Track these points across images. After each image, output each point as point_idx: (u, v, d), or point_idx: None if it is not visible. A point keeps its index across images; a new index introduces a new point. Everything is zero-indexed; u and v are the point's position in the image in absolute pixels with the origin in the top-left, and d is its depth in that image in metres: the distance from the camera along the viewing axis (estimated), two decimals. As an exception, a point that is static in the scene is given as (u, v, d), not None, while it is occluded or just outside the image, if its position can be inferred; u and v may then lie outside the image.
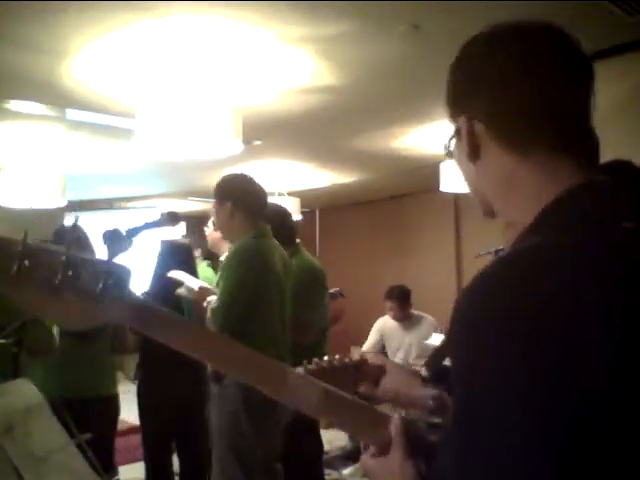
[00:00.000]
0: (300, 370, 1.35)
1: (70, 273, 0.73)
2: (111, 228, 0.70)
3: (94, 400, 2.97)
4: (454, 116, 0.81)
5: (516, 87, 0.73)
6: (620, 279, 0.60)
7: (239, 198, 2.75)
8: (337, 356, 1.37)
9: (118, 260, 0.77)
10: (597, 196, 0.69)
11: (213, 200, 2.86)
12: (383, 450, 0.82)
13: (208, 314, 2.60)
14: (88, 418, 2.80)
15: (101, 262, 0.76)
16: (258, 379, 0.84)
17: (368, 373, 1.35)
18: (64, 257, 0.73)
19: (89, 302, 0.74)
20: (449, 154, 0.85)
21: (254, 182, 2.84)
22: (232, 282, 2.58)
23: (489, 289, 0.63)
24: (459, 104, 0.80)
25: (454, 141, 0.83)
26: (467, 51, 0.80)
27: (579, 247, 0.62)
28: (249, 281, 2.58)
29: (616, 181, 0.70)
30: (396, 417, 0.82)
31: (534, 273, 0.61)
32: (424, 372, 1.19)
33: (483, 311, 0.61)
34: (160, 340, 0.81)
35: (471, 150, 0.77)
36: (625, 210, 0.66)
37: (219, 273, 2.79)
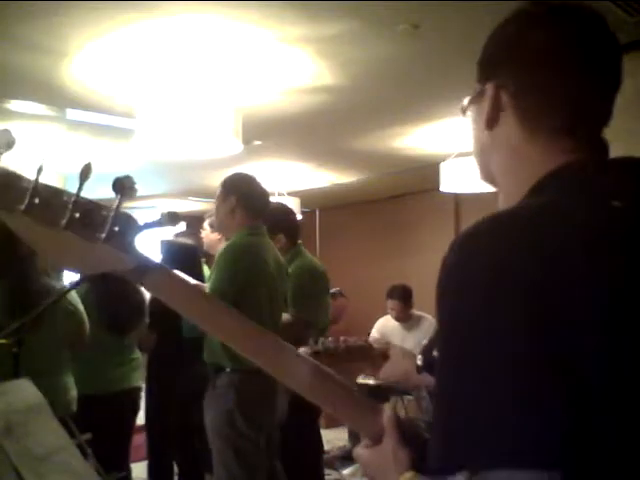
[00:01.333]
0: (306, 349, 1.36)
1: (77, 215, 0.74)
2: (122, 176, 0.69)
3: (126, 392, 3.07)
4: (481, 79, 0.81)
5: (547, 69, 0.75)
6: (605, 250, 0.60)
7: (244, 194, 2.77)
8: (342, 338, 1.37)
9: (147, 192, 0.77)
10: (589, 174, 0.71)
11: (216, 196, 2.86)
12: (376, 439, 0.82)
13: None
14: (121, 410, 2.92)
15: (109, 208, 0.75)
16: (252, 349, 0.84)
17: (372, 355, 1.35)
18: (73, 198, 0.74)
19: (92, 246, 0.74)
20: (464, 112, 0.86)
21: (260, 183, 2.87)
22: (220, 277, 2.59)
23: (487, 240, 0.63)
24: (491, 70, 0.80)
25: (473, 103, 0.84)
26: (511, 22, 0.81)
27: (568, 213, 0.63)
28: (237, 277, 2.58)
29: (611, 165, 0.73)
30: (388, 407, 0.83)
31: (538, 230, 0.61)
32: (419, 361, 1.20)
33: (477, 265, 0.62)
34: (157, 296, 0.81)
35: (491, 117, 0.78)
36: (616, 190, 0.67)
37: (211, 269, 2.81)
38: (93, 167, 0.77)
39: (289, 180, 5.96)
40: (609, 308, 0.58)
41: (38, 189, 0.74)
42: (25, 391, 1.62)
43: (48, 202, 0.74)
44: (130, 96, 3.54)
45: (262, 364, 0.83)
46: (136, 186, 0.77)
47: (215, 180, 2.97)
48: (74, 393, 2.68)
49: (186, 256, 3.45)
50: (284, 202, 5.80)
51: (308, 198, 6.56)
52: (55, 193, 0.75)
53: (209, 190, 5.68)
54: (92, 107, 3.80)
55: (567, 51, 0.75)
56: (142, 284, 0.82)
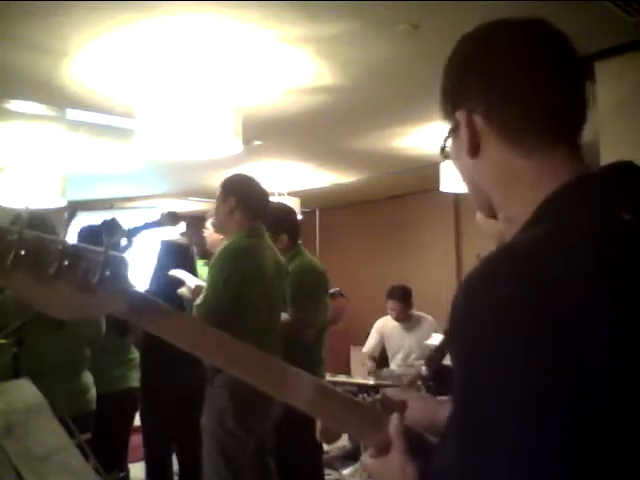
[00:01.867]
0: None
1: (66, 263, 0.72)
2: (108, 218, 0.69)
3: (125, 392, 3.08)
4: (450, 112, 0.80)
5: (514, 81, 0.74)
6: (620, 268, 0.60)
7: (243, 195, 2.77)
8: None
9: (115, 251, 0.76)
10: (597, 188, 0.70)
11: (216, 197, 2.86)
12: (382, 450, 0.81)
13: (193, 311, 2.60)
14: (124, 410, 2.92)
15: (98, 252, 0.74)
16: (255, 376, 0.84)
17: (391, 409, 1.34)
18: (60, 246, 0.73)
19: (85, 293, 0.73)
20: (445, 154, 0.85)
21: (259, 184, 2.87)
22: (216, 279, 2.59)
23: (489, 278, 0.63)
24: (456, 98, 0.79)
25: (450, 140, 0.82)
26: (463, 46, 0.81)
27: (580, 236, 0.62)
28: (234, 279, 2.58)
29: (616, 175, 0.71)
30: (395, 417, 0.82)
31: (535, 261, 0.61)
32: (424, 371, 1.19)
33: (482, 300, 0.62)
34: (156, 333, 0.80)
35: (471, 143, 0.76)
36: (625, 202, 0.66)
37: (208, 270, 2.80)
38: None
39: (289, 180, 5.96)
40: (615, 324, 0.57)
41: (23, 241, 0.72)
42: (25, 391, 1.62)
43: (35, 253, 0.72)
44: (130, 96, 3.54)
45: (263, 388, 0.84)
46: (123, 227, 0.76)
47: (215, 180, 2.97)
48: (94, 392, 2.69)
49: (179, 255, 3.45)
50: (284, 202, 5.82)
51: (308, 198, 6.56)
52: (42, 242, 0.73)
53: (209, 190, 5.68)
54: (92, 107, 3.80)
55: (532, 60, 0.74)
56: (139, 324, 0.82)
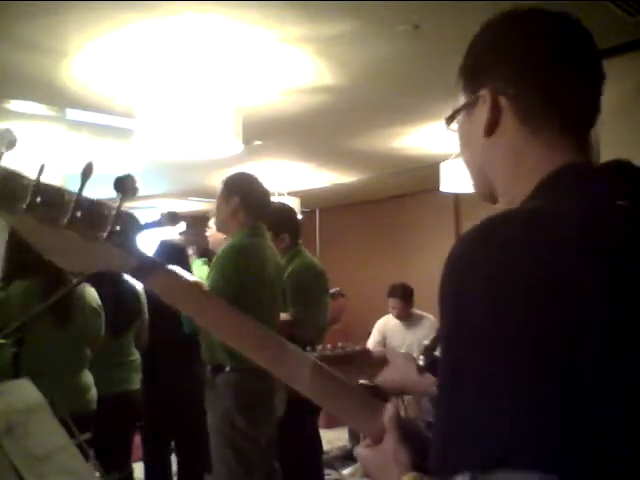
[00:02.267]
0: (314, 355, 1.35)
1: (79, 214, 0.74)
2: (122, 175, 0.69)
3: (125, 394, 3.05)
4: (472, 88, 0.80)
5: (547, 71, 0.75)
6: (612, 249, 0.60)
7: (246, 195, 2.77)
8: (340, 344, 1.37)
9: (128, 208, 0.77)
10: (594, 174, 0.71)
11: (217, 195, 2.85)
12: (377, 438, 0.81)
13: None
14: (121, 413, 2.90)
15: (111, 207, 0.75)
16: (254, 349, 0.83)
17: (371, 362, 1.35)
18: (75, 197, 0.74)
19: (94, 245, 0.74)
20: (451, 125, 0.85)
21: (261, 183, 2.87)
22: (218, 278, 2.59)
23: (483, 240, 0.64)
24: (483, 76, 0.79)
25: (463, 114, 0.82)
26: (499, 25, 0.80)
27: (574, 214, 0.63)
28: (235, 279, 2.58)
29: (612, 169, 0.72)
30: (390, 406, 0.82)
31: (526, 230, 0.62)
32: (421, 361, 1.19)
33: (470, 265, 0.62)
34: (159, 294, 0.80)
35: (490, 122, 0.77)
36: (620, 190, 0.67)
37: (209, 268, 2.81)
38: (94, 166, 0.77)
39: (289, 180, 5.96)
40: (610, 307, 0.57)
41: (40, 188, 0.74)
42: (25, 391, 1.62)
43: (50, 201, 0.74)
44: (130, 96, 3.54)
45: (262, 362, 0.83)
46: (137, 184, 0.77)
47: (215, 180, 2.97)
48: (94, 392, 2.69)
49: (173, 254, 3.45)
50: (285, 202, 5.82)
51: (308, 198, 6.56)
52: (57, 192, 0.75)
53: (209, 190, 5.68)
54: (92, 107, 3.80)
55: (566, 54, 0.76)
56: (143, 283, 0.82)
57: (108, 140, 4.61)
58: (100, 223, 0.75)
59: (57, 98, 3.65)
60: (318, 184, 6.43)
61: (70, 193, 0.75)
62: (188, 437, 3.50)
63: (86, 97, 3.61)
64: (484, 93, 0.77)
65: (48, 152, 4.80)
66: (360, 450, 0.84)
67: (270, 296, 2.75)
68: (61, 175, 4.97)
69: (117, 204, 0.75)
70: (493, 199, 0.82)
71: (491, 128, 0.77)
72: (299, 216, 5.98)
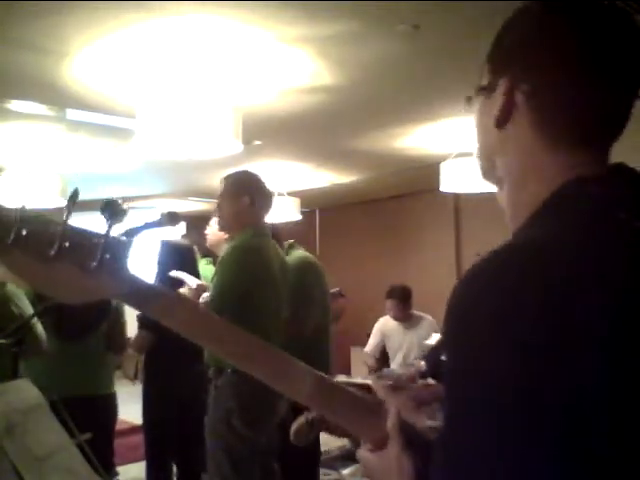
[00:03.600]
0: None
1: (67, 244, 0.72)
2: (108, 198, 0.67)
3: (88, 399, 2.93)
4: (494, 71, 0.76)
5: (571, 76, 0.69)
6: (618, 272, 0.59)
7: (256, 195, 2.77)
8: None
9: (116, 233, 0.75)
10: (595, 189, 0.68)
11: (221, 194, 2.84)
12: (379, 445, 0.80)
13: None
14: (83, 417, 2.82)
15: (99, 235, 0.74)
16: (253, 365, 0.82)
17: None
18: (61, 227, 0.72)
19: (85, 275, 0.72)
20: (469, 104, 0.81)
21: (265, 183, 2.88)
22: (225, 279, 2.58)
23: (484, 280, 0.62)
24: (505, 64, 0.74)
25: (482, 96, 0.78)
26: (539, 11, 0.73)
27: (577, 242, 0.62)
28: (242, 279, 2.57)
29: (614, 176, 0.70)
30: (393, 411, 0.81)
31: (534, 262, 0.60)
32: (424, 366, 1.19)
33: (477, 301, 0.61)
34: (155, 318, 0.79)
35: (503, 115, 0.73)
36: (621, 202, 0.66)
37: (215, 269, 2.80)
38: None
39: (289, 180, 5.96)
40: (614, 327, 0.56)
41: (24, 220, 0.72)
42: (25, 391, 1.62)
43: (35, 233, 0.72)
44: (130, 96, 3.54)
45: (261, 377, 0.82)
46: (125, 208, 0.76)
47: (215, 180, 2.97)
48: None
49: (181, 256, 3.43)
50: (283, 202, 5.82)
51: (308, 198, 6.56)
52: (42, 223, 0.73)
53: (209, 190, 5.68)
54: (92, 107, 3.80)
55: (594, 55, 0.69)
56: (140, 310, 0.80)
57: (108, 140, 4.61)
58: (89, 252, 0.73)
59: (57, 98, 3.65)
60: (318, 184, 6.43)
61: (56, 223, 0.73)
62: (190, 439, 3.50)
63: (86, 97, 3.61)
64: (503, 82, 0.73)
65: (48, 152, 4.80)
66: (363, 453, 0.83)
67: (274, 297, 2.75)
68: (60, 176, 4.98)
69: (105, 231, 0.74)
70: (492, 179, 0.79)
71: (502, 120, 0.73)
72: (299, 216, 6.01)
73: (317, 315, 3.33)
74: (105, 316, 3.10)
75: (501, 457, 0.56)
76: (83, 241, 0.73)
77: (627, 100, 0.71)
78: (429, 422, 1.13)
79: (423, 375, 1.15)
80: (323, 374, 0.83)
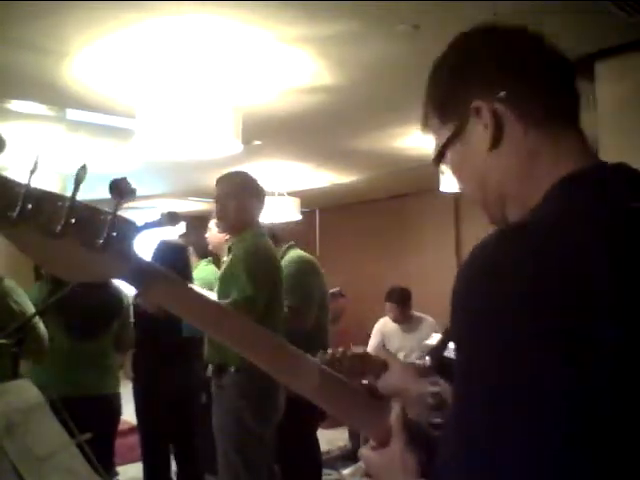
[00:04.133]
0: (316, 360, 1.35)
1: (73, 221, 0.70)
2: (116, 178, 0.65)
3: (97, 398, 2.96)
4: (454, 112, 0.77)
5: (530, 68, 0.75)
6: (627, 253, 0.59)
7: (254, 194, 2.81)
8: (340, 349, 1.37)
9: (124, 213, 0.73)
10: (606, 177, 0.70)
11: (221, 196, 2.85)
12: (383, 442, 0.80)
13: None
14: (90, 416, 2.83)
15: (106, 213, 0.72)
16: (257, 354, 0.81)
17: (371, 367, 1.35)
18: (68, 203, 0.70)
19: (90, 253, 0.71)
20: (444, 160, 0.81)
21: (258, 181, 2.92)
22: (250, 285, 2.59)
23: (492, 255, 0.62)
24: (464, 95, 0.76)
25: (455, 143, 0.78)
26: (464, 44, 0.80)
27: (588, 218, 0.62)
28: (266, 279, 2.64)
29: (621, 169, 0.71)
30: (397, 407, 0.80)
31: (546, 241, 0.60)
32: (428, 362, 1.19)
33: (486, 276, 0.61)
34: (158, 302, 0.78)
35: (495, 132, 0.74)
36: (633, 192, 0.67)
37: (225, 268, 2.80)
38: (89, 168, 0.73)
39: (289, 180, 5.96)
40: (630, 310, 0.56)
41: (30, 194, 0.69)
42: (25, 391, 1.62)
43: (42, 208, 0.70)
44: (130, 96, 3.54)
45: (267, 368, 0.81)
46: (134, 187, 0.74)
47: (215, 180, 2.97)
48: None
49: (173, 255, 3.43)
50: (283, 202, 5.83)
51: (308, 198, 6.56)
52: (49, 198, 0.71)
53: (209, 190, 5.66)
54: (92, 107, 3.80)
55: (541, 51, 0.76)
56: (144, 291, 0.79)
57: (108, 140, 4.60)
58: (96, 230, 0.71)
59: (57, 98, 3.65)
60: (318, 184, 6.43)
61: (63, 199, 0.71)
62: (187, 437, 3.50)
63: (86, 97, 3.61)
64: (477, 105, 0.74)
65: (48, 152, 4.80)
66: (365, 452, 0.82)
67: (281, 295, 2.82)
68: (60, 175, 4.98)
69: (113, 209, 0.71)
70: (503, 216, 0.79)
71: (497, 139, 0.74)
72: (299, 216, 6.01)
73: (315, 314, 3.34)
74: (118, 315, 3.12)
75: (517, 435, 0.56)
76: (90, 218, 0.71)
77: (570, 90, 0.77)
78: (430, 387, 1.13)
79: (428, 371, 1.16)
80: (328, 369, 0.82)
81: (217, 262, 3.81)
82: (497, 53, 0.76)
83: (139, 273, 0.75)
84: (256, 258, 2.65)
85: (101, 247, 0.70)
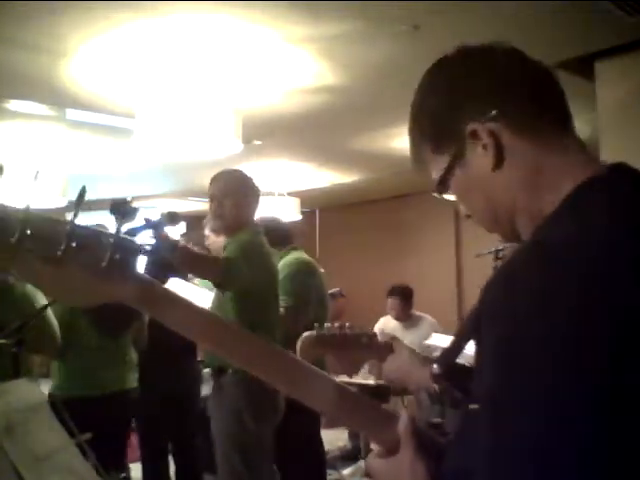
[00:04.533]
0: (311, 333, 1.34)
1: (74, 244, 0.68)
2: (118, 198, 0.64)
3: (120, 394, 3.03)
4: (449, 139, 0.78)
5: (517, 83, 0.76)
6: None
7: (249, 193, 2.81)
8: (348, 324, 1.36)
9: (126, 234, 0.71)
10: (620, 185, 0.70)
11: (218, 197, 2.84)
12: (391, 450, 0.79)
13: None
14: (111, 413, 2.89)
15: (108, 234, 0.70)
16: (265, 370, 0.80)
17: (376, 347, 1.35)
18: (68, 227, 0.68)
19: (93, 277, 0.69)
20: (445, 190, 0.81)
21: (253, 179, 2.92)
22: (248, 284, 2.59)
23: (527, 272, 0.62)
24: (460, 118, 0.77)
25: (455, 169, 0.79)
26: (441, 70, 0.84)
27: (610, 234, 0.62)
28: (263, 282, 2.65)
29: (619, 175, 0.72)
30: (405, 416, 0.79)
31: (575, 255, 0.61)
32: (436, 370, 1.18)
33: (523, 291, 0.60)
34: (165, 323, 0.76)
35: (497, 152, 0.75)
36: (629, 198, 0.67)
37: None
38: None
39: (289, 180, 5.96)
40: None
41: (29, 219, 0.67)
42: (25, 391, 1.62)
43: (41, 232, 0.68)
44: (130, 96, 3.54)
45: (273, 382, 0.80)
46: (135, 207, 0.72)
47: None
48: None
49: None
50: (283, 202, 5.83)
51: (308, 198, 6.56)
52: (48, 222, 0.69)
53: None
54: (92, 107, 3.80)
55: (524, 66, 0.78)
56: (151, 314, 0.78)
57: (108, 140, 4.60)
58: (98, 253, 0.69)
59: (57, 98, 3.65)
60: (318, 184, 6.43)
61: (63, 223, 0.69)
62: (186, 437, 3.50)
63: (86, 97, 3.61)
64: (473, 129, 0.75)
65: (48, 152, 4.80)
66: (372, 461, 0.81)
67: (275, 294, 2.82)
68: (60, 176, 4.98)
69: (115, 231, 0.70)
70: (515, 235, 0.79)
71: (499, 157, 0.75)
72: (299, 216, 6.01)
73: (313, 315, 3.34)
74: (139, 313, 3.16)
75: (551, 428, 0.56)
76: (92, 241, 0.69)
77: (555, 97, 0.78)
78: (435, 367, 1.13)
79: (436, 378, 1.15)
80: (334, 379, 0.81)
81: None
82: (480, 74, 0.77)
83: (145, 296, 0.74)
84: (250, 257, 2.65)
85: (104, 270, 0.69)
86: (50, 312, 2.55)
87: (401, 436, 0.78)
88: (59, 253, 0.67)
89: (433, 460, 0.75)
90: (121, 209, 0.71)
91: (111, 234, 0.70)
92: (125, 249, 0.70)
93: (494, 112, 0.74)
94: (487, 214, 0.80)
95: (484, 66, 0.78)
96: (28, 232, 0.67)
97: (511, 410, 0.58)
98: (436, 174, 0.82)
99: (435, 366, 1.18)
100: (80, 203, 0.71)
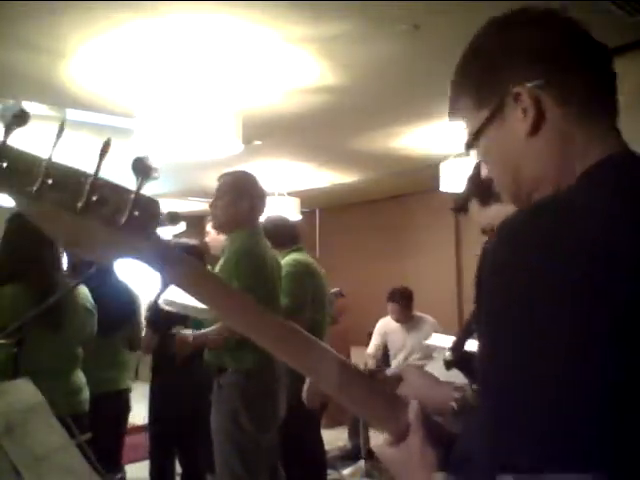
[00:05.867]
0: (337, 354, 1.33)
1: (95, 198, 0.67)
2: (141, 156, 0.63)
3: (116, 393, 3.04)
4: (491, 95, 0.78)
5: (570, 54, 0.77)
6: None
7: (259, 197, 2.81)
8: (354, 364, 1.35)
9: (146, 191, 0.70)
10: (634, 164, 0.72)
11: (219, 196, 2.85)
12: (400, 437, 0.79)
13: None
14: (107, 412, 2.87)
15: (129, 190, 0.69)
16: (275, 343, 0.79)
17: (385, 381, 1.34)
18: (90, 179, 0.68)
19: (111, 231, 0.68)
20: (474, 145, 0.81)
21: (260, 182, 2.92)
22: (245, 284, 2.59)
23: (522, 230, 0.64)
24: (504, 78, 0.76)
25: (490, 125, 0.78)
26: (505, 25, 0.80)
27: (614, 204, 0.63)
28: (254, 284, 2.61)
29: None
30: (415, 402, 0.79)
31: (570, 217, 0.62)
32: (448, 357, 1.18)
33: (516, 251, 0.62)
34: (179, 286, 0.76)
35: (536, 118, 0.75)
36: None
37: (219, 267, 2.80)
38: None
39: (289, 180, 5.96)
40: None
41: (51, 169, 0.67)
42: (25, 391, 1.62)
43: (62, 184, 0.67)
44: (130, 96, 3.54)
45: (286, 358, 0.79)
46: (156, 165, 0.71)
47: (215, 180, 2.97)
48: (87, 393, 2.65)
49: (193, 255, 3.42)
50: (283, 202, 5.83)
51: (308, 198, 6.56)
52: (70, 174, 0.68)
53: (209, 190, 5.67)
54: (92, 107, 3.80)
55: (586, 47, 0.78)
56: (163, 273, 0.77)
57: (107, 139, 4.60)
58: (118, 208, 0.68)
59: (57, 98, 3.65)
60: (318, 184, 6.43)
61: (85, 175, 0.68)
62: (193, 437, 3.51)
63: (86, 97, 3.61)
64: (518, 90, 0.75)
65: (47, 152, 4.80)
66: (382, 448, 0.81)
67: (273, 295, 2.79)
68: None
69: (136, 187, 0.69)
70: (529, 200, 0.79)
71: (538, 124, 0.75)
72: (299, 216, 6.01)
73: (312, 315, 3.34)
74: (134, 313, 3.16)
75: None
76: (113, 195, 0.69)
77: (605, 74, 0.80)
78: (453, 393, 1.12)
79: (448, 365, 1.14)
80: (345, 359, 0.80)
81: (214, 264, 3.81)
82: (534, 39, 0.77)
83: (159, 254, 0.73)
84: (248, 257, 2.65)
85: (122, 226, 0.68)
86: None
87: (411, 422, 0.78)
88: (80, 205, 0.67)
89: (443, 447, 0.75)
90: (141, 166, 0.70)
91: (132, 190, 0.69)
92: (145, 207, 0.70)
93: (542, 80, 0.74)
94: (509, 178, 0.80)
95: (540, 31, 0.77)
96: (50, 182, 0.67)
97: (524, 349, 0.59)
98: (470, 128, 0.81)
99: (447, 354, 1.18)
100: (104, 155, 0.70)
